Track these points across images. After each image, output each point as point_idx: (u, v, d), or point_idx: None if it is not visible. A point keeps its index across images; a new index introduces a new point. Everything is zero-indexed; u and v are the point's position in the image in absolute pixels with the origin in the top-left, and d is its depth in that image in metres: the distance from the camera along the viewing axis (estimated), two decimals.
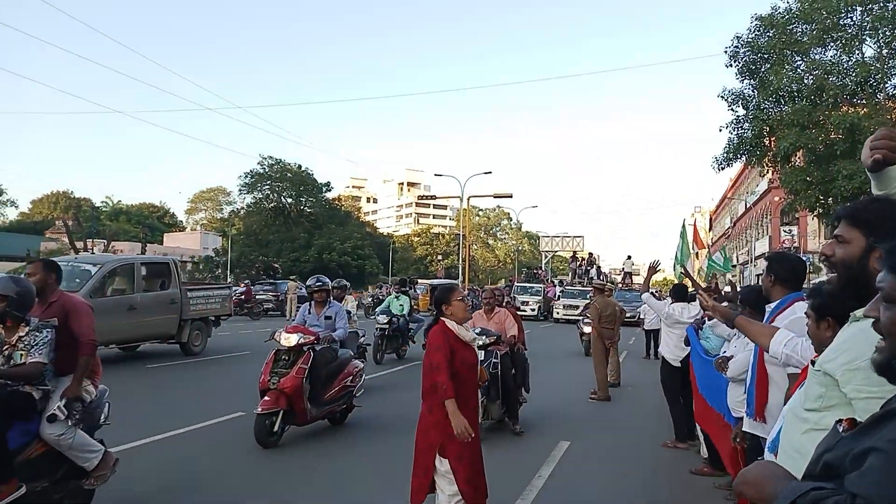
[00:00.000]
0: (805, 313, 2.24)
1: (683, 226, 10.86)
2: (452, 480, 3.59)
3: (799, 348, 2.45)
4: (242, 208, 65.69)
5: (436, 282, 37.72)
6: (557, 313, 30.63)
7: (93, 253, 46.11)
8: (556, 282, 38.89)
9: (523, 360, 7.74)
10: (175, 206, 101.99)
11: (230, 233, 61.93)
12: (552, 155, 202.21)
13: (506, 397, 7.01)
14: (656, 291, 27.87)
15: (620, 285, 33.00)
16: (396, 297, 14.09)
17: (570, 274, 40.24)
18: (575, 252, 42.59)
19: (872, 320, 1.68)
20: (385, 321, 13.25)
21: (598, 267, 39.78)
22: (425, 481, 3.68)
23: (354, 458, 6.11)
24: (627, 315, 14.56)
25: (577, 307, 28.25)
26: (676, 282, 12.24)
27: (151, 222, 78.71)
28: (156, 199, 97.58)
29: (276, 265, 55.79)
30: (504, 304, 8.63)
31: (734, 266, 51.62)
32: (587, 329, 13.44)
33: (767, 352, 2.66)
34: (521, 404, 7.58)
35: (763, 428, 3.13)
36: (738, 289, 9.24)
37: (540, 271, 44.28)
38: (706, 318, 6.52)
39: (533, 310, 31.30)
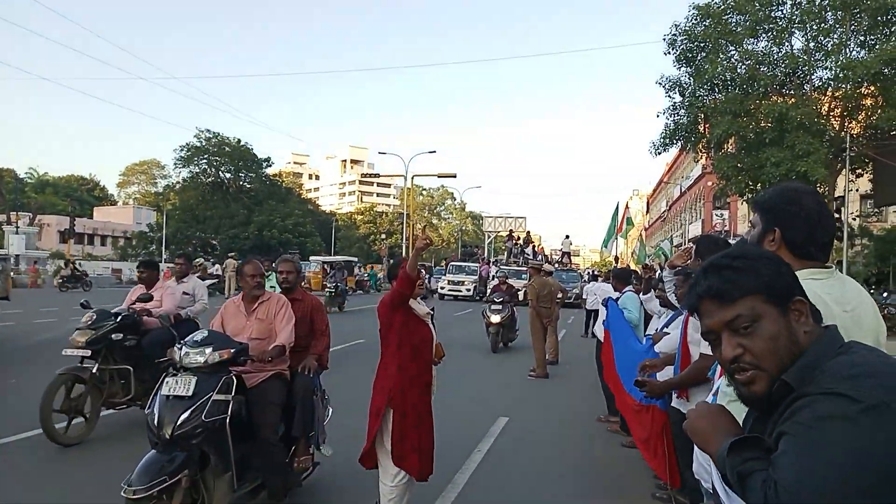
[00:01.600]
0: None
1: (615, 209, 11.22)
2: (388, 450, 3.64)
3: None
4: (178, 183, 63.56)
5: (333, 258, 36.36)
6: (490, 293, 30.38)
7: (17, 227, 43.92)
8: (491, 261, 37.71)
9: (306, 392, 4.23)
10: (106, 180, 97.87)
11: (165, 208, 59.88)
12: (497, 136, 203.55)
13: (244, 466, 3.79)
14: (596, 271, 28.53)
15: (558, 265, 32.40)
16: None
17: (505, 253, 38.74)
18: (511, 231, 40.67)
19: None
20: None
21: (534, 246, 39.00)
22: (368, 445, 3.75)
23: None
24: (567, 296, 14.89)
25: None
26: (609, 264, 12.53)
27: (80, 195, 75.31)
28: (85, 172, 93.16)
29: (214, 242, 54.42)
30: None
31: (677, 247, 53.45)
32: (495, 319, 12.34)
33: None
34: (302, 474, 4.37)
35: (687, 405, 3.32)
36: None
37: (477, 250, 42.52)
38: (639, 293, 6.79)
39: (468, 290, 30.10)
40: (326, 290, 22.86)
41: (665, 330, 4.39)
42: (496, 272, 30.97)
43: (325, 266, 32.51)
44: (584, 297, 17.30)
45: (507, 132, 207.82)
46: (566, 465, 5.64)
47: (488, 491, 4.83)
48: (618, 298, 7.07)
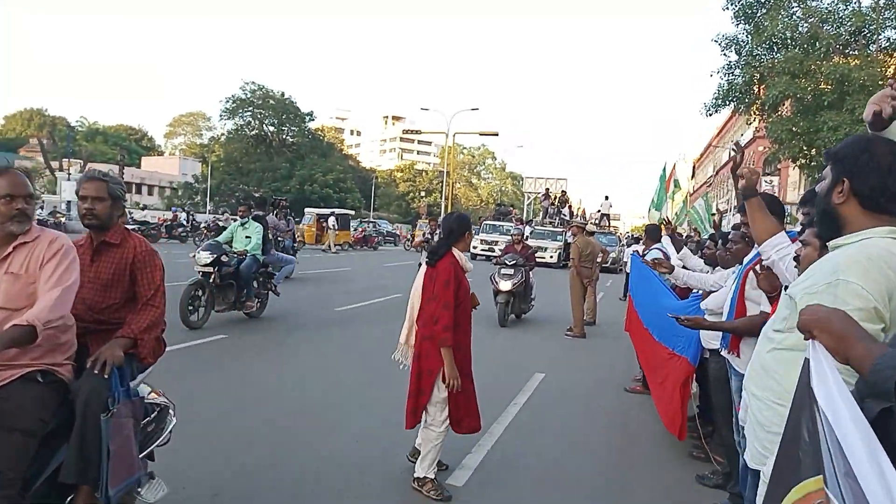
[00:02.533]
0: (801, 240, 2.30)
1: (664, 169, 10.94)
2: (445, 406, 3.74)
3: (788, 261, 2.50)
4: (223, 134, 64.33)
5: (328, 210, 34.29)
6: None
7: (69, 174, 45.26)
8: (527, 221, 35.99)
9: (90, 407, 2.45)
10: (153, 130, 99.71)
11: (210, 159, 60.86)
12: (541, 96, 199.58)
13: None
14: (637, 235, 28.12)
15: (596, 227, 32.19)
16: (243, 225, 9.26)
17: (540, 213, 36.76)
18: (547, 189, 38.54)
19: (839, 250, 1.78)
20: (208, 260, 8.34)
21: (571, 206, 37.02)
22: (419, 404, 3.81)
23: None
24: (606, 259, 14.68)
25: (546, 249, 26.81)
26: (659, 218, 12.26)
27: (129, 145, 76.95)
28: (134, 122, 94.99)
29: (258, 194, 55.22)
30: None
31: (713, 214, 52.22)
32: (505, 286, 10.01)
33: (758, 245, 2.68)
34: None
35: (737, 361, 3.27)
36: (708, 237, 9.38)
37: (512, 209, 40.59)
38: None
39: (502, 250, 29.54)
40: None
41: (711, 286, 4.30)
42: (529, 232, 29.62)
43: (320, 219, 31.59)
44: (623, 260, 17.11)
45: (552, 92, 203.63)
46: (602, 421, 5.67)
47: (524, 442, 4.89)
48: (645, 254, 7.03)
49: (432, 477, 3.77)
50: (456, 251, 3.87)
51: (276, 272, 9.91)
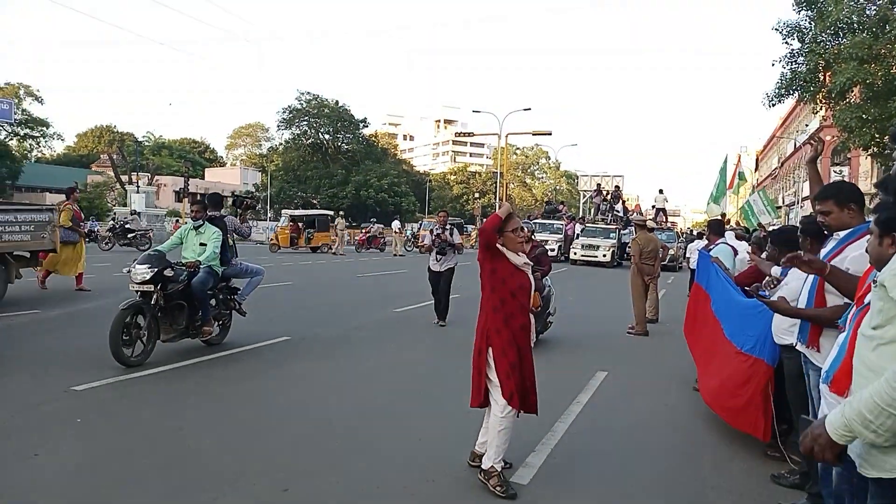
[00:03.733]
0: (868, 229, 2.20)
1: (724, 161, 10.57)
2: (499, 385, 3.75)
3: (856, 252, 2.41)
4: (281, 144, 66.03)
5: (304, 212, 33.19)
6: (574, 254, 26.18)
7: (138, 186, 47.22)
8: (578, 219, 33.98)
9: None
10: (215, 142, 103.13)
11: (269, 168, 62.55)
12: (595, 92, 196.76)
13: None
14: (699, 230, 27.25)
15: (651, 223, 30.47)
16: (196, 230, 7.26)
17: (591, 209, 34.69)
18: (599, 185, 36.77)
19: None
20: (146, 276, 6.41)
21: (625, 202, 34.77)
22: (478, 383, 3.90)
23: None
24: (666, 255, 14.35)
25: (598, 247, 25.62)
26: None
27: (193, 157, 79.72)
28: (196, 135, 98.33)
29: (315, 201, 56.40)
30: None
31: (779, 207, 50.29)
32: None
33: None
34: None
35: (817, 356, 3.13)
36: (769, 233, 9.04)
37: (562, 206, 37.94)
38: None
39: (552, 249, 26.49)
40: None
41: (782, 281, 4.13)
42: (580, 230, 28.86)
43: (296, 221, 30.43)
44: (687, 255, 16.66)
45: (606, 88, 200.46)
46: (669, 421, 5.52)
47: (588, 441, 4.81)
48: (711, 250, 6.85)
49: (499, 469, 3.76)
50: (499, 246, 3.89)
51: (240, 287, 7.90)
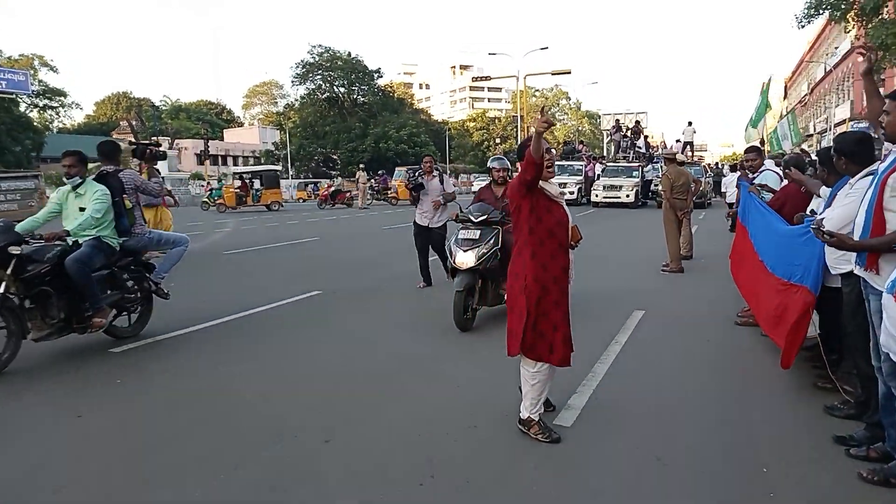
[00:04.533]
0: None
1: (768, 82, 10.09)
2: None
3: None
4: (296, 100, 65.44)
5: (253, 169, 31.89)
6: (596, 196, 25.02)
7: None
8: (596, 158, 32.16)
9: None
10: (231, 103, 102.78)
11: (287, 126, 62.20)
12: (614, 25, 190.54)
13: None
14: (727, 165, 26.39)
15: (681, 156, 28.41)
16: (75, 190, 5.51)
17: (612, 147, 32.69)
18: (617, 120, 34.63)
19: None
20: None
21: (646, 137, 32.82)
22: (518, 327, 3.60)
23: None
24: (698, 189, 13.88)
25: (621, 187, 24.51)
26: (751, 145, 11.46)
27: (211, 119, 79.63)
28: (212, 97, 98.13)
29: (335, 156, 56.16)
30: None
31: (810, 135, 48.78)
32: (465, 260, 6.04)
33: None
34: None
35: (876, 279, 2.95)
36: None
37: (581, 146, 35.69)
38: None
39: (572, 193, 25.53)
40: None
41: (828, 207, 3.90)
42: (601, 170, 27.36)
43: (244, 178, 29.36)
44: (724, 190, 16.23)
45: (625, 20, 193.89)
46: (712, 357, 5.39)
47: (630, 381, 4.71)
48: (755, 178, 6.58)
49: (537, 419, 3.67)
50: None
51: (156, 263, 6.26)
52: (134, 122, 58.85)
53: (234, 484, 3.16)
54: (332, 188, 31.75)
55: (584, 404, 4.17)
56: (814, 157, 8.66)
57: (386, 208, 29.11)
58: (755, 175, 6.59)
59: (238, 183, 28.94)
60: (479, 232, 6.09)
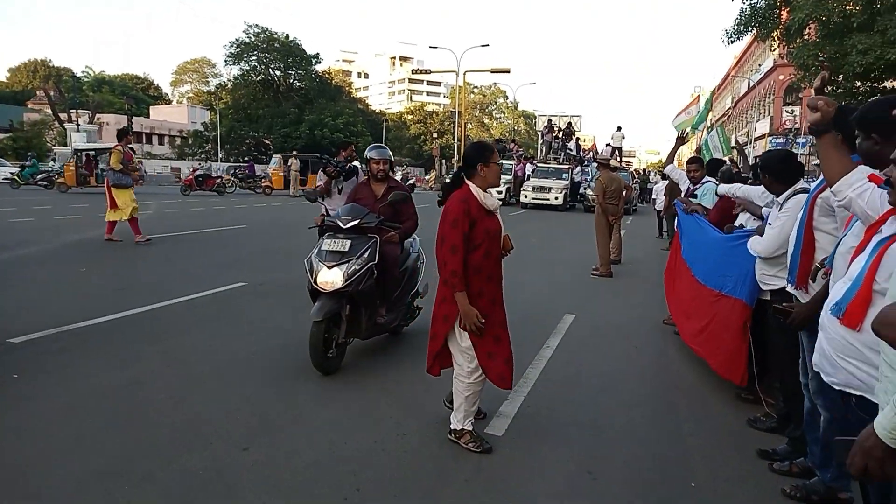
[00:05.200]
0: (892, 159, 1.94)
1: (713, 91, 10.27)
2: (473, 356, 3.47)
3: (867, 196, 2.21)
4: (229, 80, 63.25)
5: (101, 145, 27.59)
6: (525, 197, 24.47)
7: (78, 125, 44.81)
8: (528, 158, 31.19)
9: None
10: (159, 78, 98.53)
11: (218, 107, 60.02)
12: (554, 29, 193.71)
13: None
14: (654, 173, 27.11)
15: (614, 162, 28.28)
16: None
17: (542, 148, 31.68)
18: (550, 120, 33.75)
19: None
20: None
21: (578, 139, 32.57)
22: (433, 349, 3.60)
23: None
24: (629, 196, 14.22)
25: (550, 189, 24.10)
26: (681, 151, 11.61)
27: (136, 94, 75.98)
28: (139, 71, 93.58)
29: (268, 141, 54.65)
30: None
31: (732, 147, 51.07)
32: (330, 279, 4.63)
33: (831, 186, 2.39)
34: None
35: (805, 297, 2.98)
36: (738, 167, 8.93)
37: (512, 145, 34.61)
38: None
39: (500, 192, 23.63)
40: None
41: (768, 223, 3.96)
42: (531, 170, 26.80)
43: (87, 155, 26.57)
44: (654, 197, 16.67)
45: (565, 25, 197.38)
46: (640, 362, 5.45)
47: (561, 386, 4.69)
48: (696, 190, 6.69)
49: (469, 429, 3.57)
50: (473, 187, 3.42)
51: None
52: (52, 93, 55.43)
53: (141, 500, 2.90)
54: (198, 172, 28.74)
55: (516, 412, 4.10)
56: (738, 164, 8.95)
57: (258, 199, 26.59)
58: (697, 187, 6.68)
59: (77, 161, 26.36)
60: (349, 242, 4.74)
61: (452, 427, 3.60)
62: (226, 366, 4.81)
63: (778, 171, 3.71)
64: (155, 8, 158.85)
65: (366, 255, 4.72)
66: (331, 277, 4.60)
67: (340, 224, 4.87)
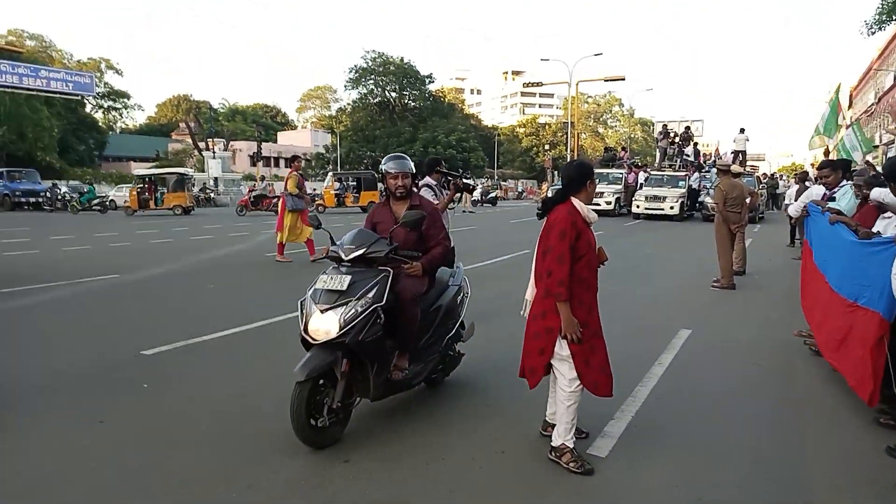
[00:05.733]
0: None
1: (837, 90, 9.53)
2: (572, 365, 3.40)
3: None
4: (349, 104, 66.31)
5: (157, 171, 30.09)
6: (637, 206, 23.53)
7: (214, 152, 48.65)
8: (639, 165, 30.30)
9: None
10: (286, 106, 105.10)
11: (338, 130, 63.04)
12: (670, 31, 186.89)
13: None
14: (787, 176, 25.14)
15: (737, 167, 25.54)
16: None
17: (658, 154, 30.47)
18: (665, 125, 32.39)
19: None
20: None
21: (696, 144, 30.97)
22: (540, 362, 3.52)
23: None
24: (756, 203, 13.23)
25: (665, 198, 23.03)
26: (817, 156, 10.69)
27: (266, 122, 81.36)
28: (268, 100, 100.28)
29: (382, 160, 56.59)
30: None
31: (876, 146, 46.64)
32: (323, 327, 3.60)
33: None
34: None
35: None
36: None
37: (623, 153, 33.74)
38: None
39: (609, 202, 24.36)
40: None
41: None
42: (644, 178, 25.81)
43: (148, 180, 28.63)
44: (785, 202, 15.54)
45: (682, 26, 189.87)
46: (762, 382, 5.03)
47: (673, 406, 4.42)
48: (834, 193, 6.15)
49: (571, 446, 3.44)
50: (577, 202, 3.47)
51: None
52: (192, 124, 60.68)
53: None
54: (255, 192, 29.34)
55: (622, 432, 3.91)
56: (879, 169, 8.13)
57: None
58: (834, 190, 6.15)
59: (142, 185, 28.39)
60: (348, 278, 3.73)
61: (553, 444, 3.50)
62: None
63: None
64: (285, 41, 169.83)
65: (371, 294, 3.70)
66: (323, 324, 3.63)
67: (342, 255, 3.91)
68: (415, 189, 4.72)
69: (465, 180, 6.66)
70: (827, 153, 11.96)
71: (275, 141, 79.57)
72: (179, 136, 68.83)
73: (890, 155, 42.62)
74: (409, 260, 4.07)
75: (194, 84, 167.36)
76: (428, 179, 6.35)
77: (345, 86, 62.98)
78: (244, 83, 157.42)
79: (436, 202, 5.93)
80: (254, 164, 54.96)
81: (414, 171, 4.39)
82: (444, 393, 4.64)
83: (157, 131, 74.77)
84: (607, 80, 46.14)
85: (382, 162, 4.42)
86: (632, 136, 75.24)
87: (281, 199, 11.64)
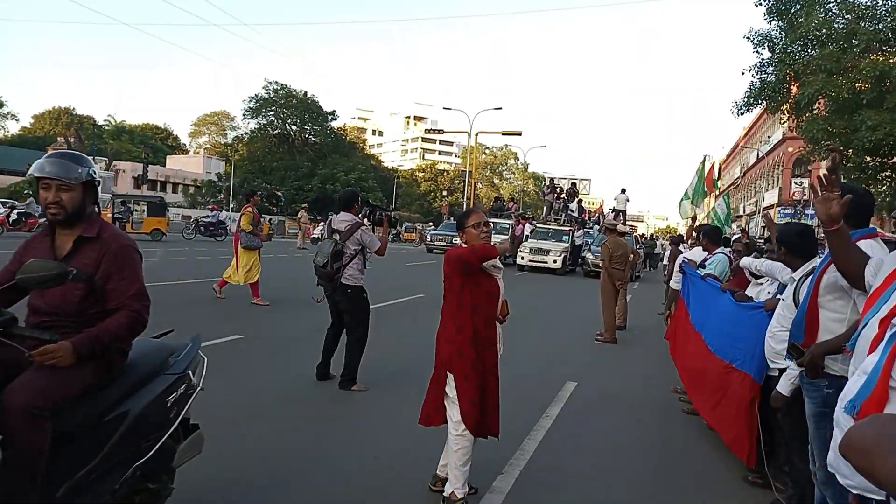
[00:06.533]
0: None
1: (703, 161, 10.38)
2: (456, 403, 3.41)
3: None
4: (246, 134, 64.67)
5: (141, 194, 28.76)
6: (522, 258, 23.24)
7: None
8: (526, 217, 30.30)
9: None
10: (179, 129, 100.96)
11: (233, 158, 61.14)
12: (566, 94, 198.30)
13: None
14: (673, 236, 26.70)
15: (622, 227, 25.81)
16: None
17: (544, 208, 30.79)
18: (552, 180, 33.20)
19: None
20: None
21: (580, 200, 31.83)
22: (436, 401, 3.57)
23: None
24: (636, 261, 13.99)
25: (549, 251, 23.03)
26: (688, 222, 11.52)
27: (154, 143, 77.60)
28: (160, 121, 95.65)
29: (279, 193, 55.36)
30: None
31: (739, 216, 51.18)
32: None
33: (847, 278, 2.28)
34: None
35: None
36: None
37: (512, 204, 34.21)
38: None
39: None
40: None
41: (779, 297, 3.84)
42: (530, 231, 25.70)
43: (123, 203, 27.32)
44: (663, 263, 16.43)
45: (577, 90, 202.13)
46: (642, 437, 5.22)
47: (560, 459, 4.47)
48: (704, 260, 6.58)
49: (461, 496, 3.38)
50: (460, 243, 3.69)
51: None
52: (72, 139, 56.72)
53: None
54: (18, 209, 24.51)
55: (510, 487, 3.89)
56: (747, 234, 8.86)
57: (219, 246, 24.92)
58: (708, 257, 6.61)
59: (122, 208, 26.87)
60: None
61: (445, 494, 3.43)
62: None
63: (793, 243, 3.62)
64: (178, 61, 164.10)
65: None
66: None
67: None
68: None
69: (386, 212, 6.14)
70: (694, 219, 12.88)
71: (163, 164, 75.95)
72: (55, 151, 64.08)
73: (752, 225, 46.87)
74: (41, 340, 2.27)
75: (80, 98, 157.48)
76: (343, 215, 5.90)
77: (243, 114, 61.48)
78: (135, 102, 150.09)
79: (368, 239, 5.78)
80: (138, 187, 52.02)
81: (94, 179, 2.73)
82: (333, 440, 4.45)
83: (32, 144, 69.16)
84: (505, 134, 47.98)
85: (33, 166, 2.67)
86: (525, 189, 78.19)
87: (234, 237, 10.79)
